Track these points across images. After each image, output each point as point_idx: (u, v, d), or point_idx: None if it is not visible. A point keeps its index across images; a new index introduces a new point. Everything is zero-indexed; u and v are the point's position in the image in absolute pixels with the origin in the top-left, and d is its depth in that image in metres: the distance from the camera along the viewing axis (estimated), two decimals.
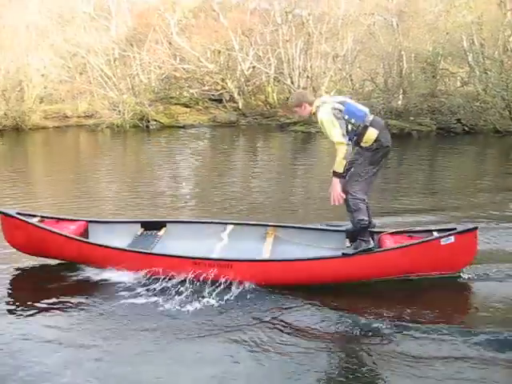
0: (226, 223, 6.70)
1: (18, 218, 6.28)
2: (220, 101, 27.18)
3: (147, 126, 23.99)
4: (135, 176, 13.74)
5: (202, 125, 24.68)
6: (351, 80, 24.17)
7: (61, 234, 6.17)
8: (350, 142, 5.59)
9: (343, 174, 5.66)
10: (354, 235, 6.14)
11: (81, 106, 25.79)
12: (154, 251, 6.19)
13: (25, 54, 24.63)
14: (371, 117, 5.68)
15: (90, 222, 6.72)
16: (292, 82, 23.74)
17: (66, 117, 25.73)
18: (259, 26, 24.61)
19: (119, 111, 23.75)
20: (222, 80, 26.49)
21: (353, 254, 5.84)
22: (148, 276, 5.95)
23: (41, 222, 6.42)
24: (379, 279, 5.93)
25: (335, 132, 5.51)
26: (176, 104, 27.32)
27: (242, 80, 26.50)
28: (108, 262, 6.05)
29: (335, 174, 5.63)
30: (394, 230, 6.29)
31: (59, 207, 9.65)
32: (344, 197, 5.71)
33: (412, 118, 20.19)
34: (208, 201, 10.57)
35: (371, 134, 5.59)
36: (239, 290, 5.74)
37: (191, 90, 27.75)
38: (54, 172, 14.78)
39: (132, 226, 6.69)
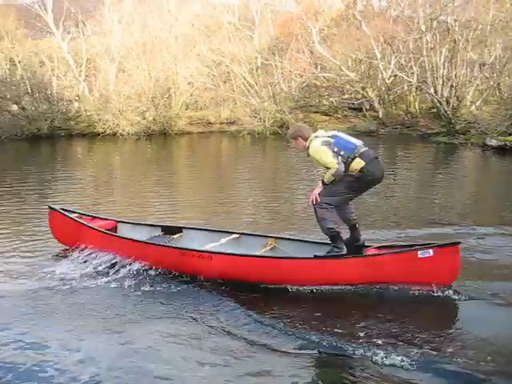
0: (234, 232, 7.09)
1: (60, 213, 7.49)
2: (360, 109, 27.04)
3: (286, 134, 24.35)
4: (271, 183, 13.97)
5: None
6: (499, 89, 23.14)
7: (93, 228, 7.15)
8: (342, 163, 5.80)
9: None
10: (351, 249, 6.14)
11: (223, 112, 26.79)
12: (147, 240, 6.91)
13: (173, 63, 26.00)
14: (362, 149, 5.89)
15: (118, 221, 7.65)
16: (435, 92, 23.03)
17: (210, 123, 26.85)
18: (402, 33, 24.16)
19: (260, 118, 24.34)
20: (363, 89, 26.32)
21: (323, 257, 5.94)
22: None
23: (79, 217, 7.49)
24: (353, 287, 5.83)
25: (327, 158, 5.78)
26: (315, 112, 27.57)
27: (383, 89, 26.21)
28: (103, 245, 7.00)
29: (323, 182, 5.92)
30: (380, 245, 6.24)
31: (196, 207, 10.12)
32: (319, 200, 5.89)
33: None
34: None
35: (356, 164, 5.80)
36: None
37: (331, 99, 27.85)
38: (195, 174, 15.46)
39: (154, 228, 7.50)
